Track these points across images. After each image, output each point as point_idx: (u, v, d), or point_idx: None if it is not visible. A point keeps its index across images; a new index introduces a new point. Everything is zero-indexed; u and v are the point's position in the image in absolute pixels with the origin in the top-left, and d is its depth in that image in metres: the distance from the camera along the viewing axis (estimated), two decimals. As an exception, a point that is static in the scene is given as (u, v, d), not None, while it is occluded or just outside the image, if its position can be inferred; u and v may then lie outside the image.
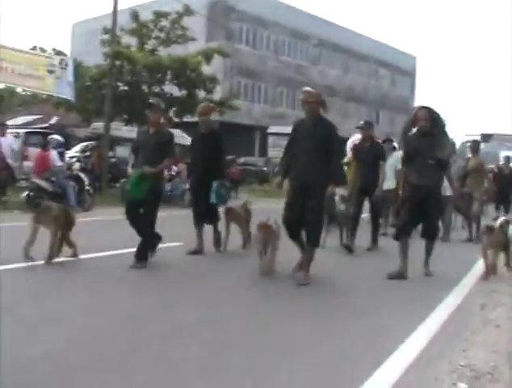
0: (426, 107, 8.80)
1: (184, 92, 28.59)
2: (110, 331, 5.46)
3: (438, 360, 4.91)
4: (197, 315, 6.09)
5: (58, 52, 25.93)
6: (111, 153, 25.49)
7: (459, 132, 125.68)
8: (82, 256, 8.89)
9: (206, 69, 28.93)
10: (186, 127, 30.88)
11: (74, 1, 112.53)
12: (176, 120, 28.17)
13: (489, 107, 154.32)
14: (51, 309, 6.20)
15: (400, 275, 8.51)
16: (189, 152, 11.33)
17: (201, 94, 28.91)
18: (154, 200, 8.93)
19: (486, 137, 53.93)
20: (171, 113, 28.14)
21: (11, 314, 5.74)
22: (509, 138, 54.38)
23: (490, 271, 8.96)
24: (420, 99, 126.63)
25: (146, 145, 9.04)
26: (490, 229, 9.30)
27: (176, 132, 24.51)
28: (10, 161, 18.79)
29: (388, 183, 12.70)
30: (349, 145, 14.31)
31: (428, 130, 8.60)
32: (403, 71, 63.68)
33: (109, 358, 4.72)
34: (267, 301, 7.05)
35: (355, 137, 13.50)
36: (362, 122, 12.14)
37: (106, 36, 28.05)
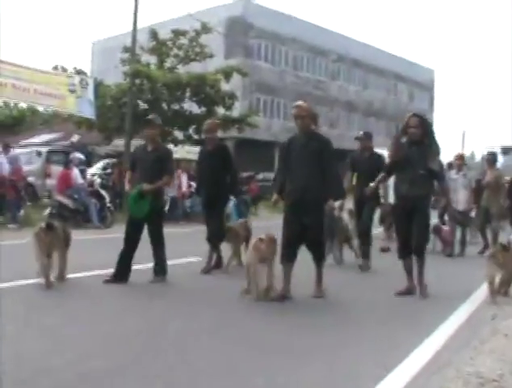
0: (418, 115, 8.54)
1: (203, 109, 28.85)
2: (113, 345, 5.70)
3: (446, 368, 5.07)
4: (202, 330, 6.31)
5: (79, 72, 26.28)
6: (131, 171, 25.71)
7: (479, 145, 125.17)
8: (101, 271, 9.02)
9: (225, 86, 29.16)
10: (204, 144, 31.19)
11: (94, 20, 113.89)
12: (196, 136, 28.40)
13: (510, 119, 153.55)
14: (69, 322, 6.47)
15: (408, 291, 8.45)
16: (196, 169, 11.26)
17: (220, 111, 29.17)
18: (157, 219, 9.09)
19: (506, 150, 53.57)
20: (191, 130, 28.41)
21: (34, 325, 6.12)
22: (531, 150, 53.70)
23: (501, 289, 8.55)
24: (439, 113, 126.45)
25: (144, 161, 9.10)
26: (505, 247, 8.72)
27: (197, 149, 24.79)
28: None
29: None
30: None
31: (418, 138, 8.29)
32: (421, 85, 63.63)
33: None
34: (274, 317, 7.12)
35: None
36: (361, 133, 11.78)
37: (125, 55, 28.47)
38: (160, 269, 8.98)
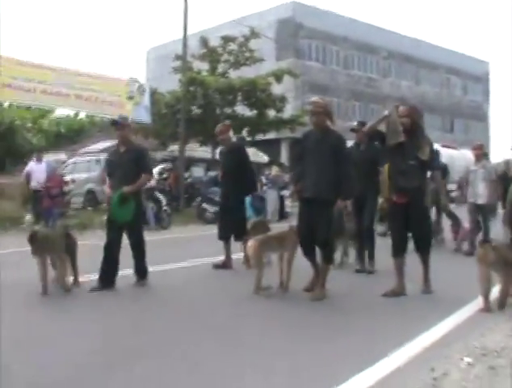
0: (407, 104, 8.26)
1: (255, 112, 29.63)
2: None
3: (456, 342, 5.70)
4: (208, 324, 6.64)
5: (136, 80, 27.05)
6: (186, 174, 26.54)
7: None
8: (152, 269, 9.25)
9: (277, 88, 29.89)
10: (259, 145, 31.94)
11: (147, 28, 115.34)
12: (249, 138, 29.14)
13: None
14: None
15: (394, 293, 7.97)
16: (219, 168, 11.79)
17: (271, 113, 29.92)
18: (138, 221, 8.96)
19: None
20: (244, 133, 29.11)
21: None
22: None
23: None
24: (495, 105, 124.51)
25: (119, 164, 8.81)
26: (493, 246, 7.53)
27: (251, 150, 25.52)
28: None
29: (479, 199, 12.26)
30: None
31: (408, 127, 7.88)
32: (475, 78, 63.00)
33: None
34: (276, 316, 7.15)
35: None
36: (355, 123, 10.95)
37: (177, 62, 29.43)
38: (142, 273, 8.88)
